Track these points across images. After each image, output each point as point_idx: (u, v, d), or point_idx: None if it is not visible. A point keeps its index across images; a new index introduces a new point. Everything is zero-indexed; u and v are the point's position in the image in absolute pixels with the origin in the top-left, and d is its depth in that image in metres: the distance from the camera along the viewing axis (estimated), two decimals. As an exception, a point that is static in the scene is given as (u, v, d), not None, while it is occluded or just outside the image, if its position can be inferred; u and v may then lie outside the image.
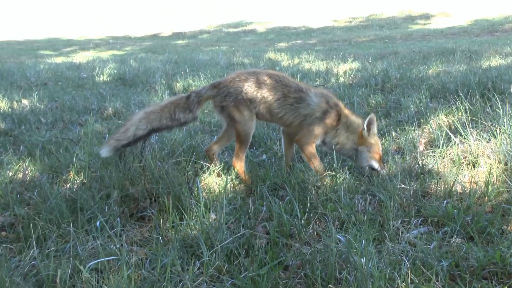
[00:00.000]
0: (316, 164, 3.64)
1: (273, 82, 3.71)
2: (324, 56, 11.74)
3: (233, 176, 3.67)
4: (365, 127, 3.66)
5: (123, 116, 5.85)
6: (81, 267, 2.42)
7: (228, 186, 3.52)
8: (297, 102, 3.70)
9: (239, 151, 3.71)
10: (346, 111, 3.81)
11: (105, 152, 3.56)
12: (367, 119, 3.66)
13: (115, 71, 10.22)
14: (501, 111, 4.02)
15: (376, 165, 3.69)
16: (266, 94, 3.68)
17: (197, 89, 3.85)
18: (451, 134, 4.00)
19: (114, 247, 2.71)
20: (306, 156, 3.71)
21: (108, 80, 9.51)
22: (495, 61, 8.53)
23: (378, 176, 3.56)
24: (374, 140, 3.72)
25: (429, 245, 2.65)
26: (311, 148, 3.69)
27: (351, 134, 3.73)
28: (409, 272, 2.37)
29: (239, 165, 3.71)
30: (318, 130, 3.69)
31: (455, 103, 4.80)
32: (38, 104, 6.93)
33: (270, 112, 3.73)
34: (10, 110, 6.50)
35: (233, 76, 3.77)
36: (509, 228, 2.84)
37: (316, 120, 3.68)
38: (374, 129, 3.71)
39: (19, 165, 4.07)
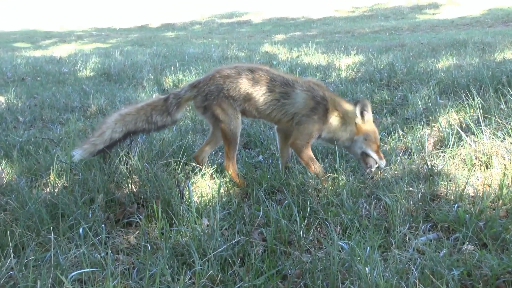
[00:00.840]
0: (316, 167, 3.63)
1: (257, 76, 3.68)
2: (325, 49, 11.77)
3: (227, 178, 3.67)
4: (358, 115, 3.65)
5: (108, 114, 5.83)
6: (63, 278, 2.41)
7: (222, 190, 3.52)
8: (283, 97, 3.67)
9: (228, 153, 3.71)
10: (339, 101, 3.74)
11: (78, 155, 3.58)
12: (358, 105, 3.63)
13: (99, 66, 10.22)
14: (516, 107, 4.04)
15: (372, 153, 3.67)
16: (250, 90, 3.66)
17: (176, 90, 3.85)
18: (462, 133, 4.01)
19: (99, 255, 2.71)
20: (303, 161, 3.70)
21: (92, 75, 9.51)
22: (511, 54, 8.56)
23: (376, 165, 3.61)
24: (370, 127, 3.70)
25: (439, 252, 2.66)
26: (308, 151, 3.67)
27: (348, 125, 3.70)
28: (417, 281, 2.38)
29: (232, 168, 3.71)
30: (309, 128, 3.65)
31: (467, 99, 4.82)
32: (15, 101, 6.91)
33: (257, 109, 3.72)
34: (-16, 107, 6.49)
35: (213, 73, 3.75)
36: (524, 233, 2.85)
37: (304, 119, 3.65)
38: (369, 115, 3.68)
39: (-5, 168, 4.07)
